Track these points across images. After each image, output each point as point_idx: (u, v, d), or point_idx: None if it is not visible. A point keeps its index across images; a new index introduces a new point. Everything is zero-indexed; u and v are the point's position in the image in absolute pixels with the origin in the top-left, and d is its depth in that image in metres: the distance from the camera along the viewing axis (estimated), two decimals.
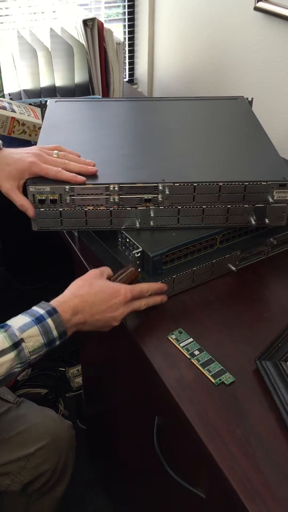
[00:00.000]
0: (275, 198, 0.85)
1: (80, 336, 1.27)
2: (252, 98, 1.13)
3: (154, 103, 1.16)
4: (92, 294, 0.77)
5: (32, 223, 0.87)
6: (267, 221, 0.88)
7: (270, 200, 0.85)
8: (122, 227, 0.87)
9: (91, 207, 0.85)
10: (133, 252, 0.82)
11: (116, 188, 0.83)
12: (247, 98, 1.13)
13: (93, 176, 0.85)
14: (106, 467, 1.38)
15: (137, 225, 0.87)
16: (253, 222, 0.87)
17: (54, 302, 0.76)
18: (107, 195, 0.84)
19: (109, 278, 0.82)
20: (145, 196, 0.84)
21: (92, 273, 0.81)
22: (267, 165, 0.89)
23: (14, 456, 1.04)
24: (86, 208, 0.85)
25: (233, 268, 0.90)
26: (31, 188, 0.83)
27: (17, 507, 1.13)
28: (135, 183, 0.84)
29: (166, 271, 0.84)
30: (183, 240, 0.84)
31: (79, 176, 0.83)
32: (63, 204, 0.84)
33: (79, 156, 0.89)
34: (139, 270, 0.83)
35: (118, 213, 0.86)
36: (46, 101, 1.08)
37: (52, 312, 0.73)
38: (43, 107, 1.09)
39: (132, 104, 1.15)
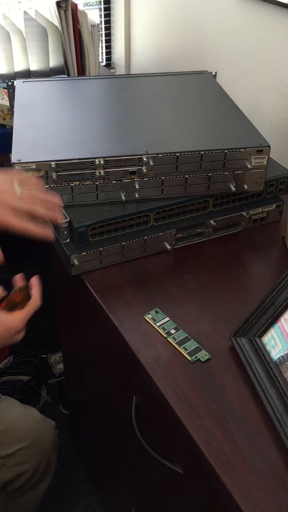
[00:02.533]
0: (253, 164, 0.88)
1: (60, 322, 1.27)
2: (216, 72, 1.15)
3: (124, 80, 1.16)
4: None
5: None
6: (246, 187, 0.91)
7: (249, 166, 0.88)
8: (108, 201, 0.88)
9: (77, 182, 0.85)
10: (59, 222, 0.83)
11: (101, 162, 0.84)
12: (211, 72, 1.15)
13: (77, 150, 0.85)
14: (89, 451, 1.39)
15: (123, 198, 0.87)
16: (233, 189, 0.90)
17: None
18: (92, 169, 0.84)
19: (2, 299, 0.77)
20: (130, 169, 0.85)
21: None
22: (243, 133, 0.92)
23: None
24: (72, 183, 0.85)
25: (168, 247, 0.91)
26: (17, 167, 0.82)
27: None
28: (120, 156, 0.84)
29: (94, 243, 0.86)
30: (112, 214, 0.86)
31: (48, 231, 0.72)
32: (49, 181, 0.84)
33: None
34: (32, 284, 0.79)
35: (103, 187, 0.86)
36: (13, 82, 1.06)
37: None
38: (10, 88, 1.07)
39: (101, 82, 1.14)
